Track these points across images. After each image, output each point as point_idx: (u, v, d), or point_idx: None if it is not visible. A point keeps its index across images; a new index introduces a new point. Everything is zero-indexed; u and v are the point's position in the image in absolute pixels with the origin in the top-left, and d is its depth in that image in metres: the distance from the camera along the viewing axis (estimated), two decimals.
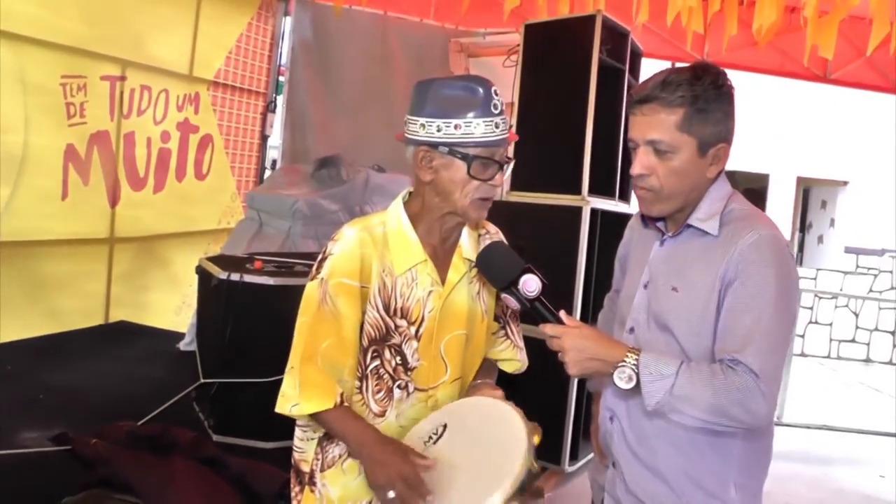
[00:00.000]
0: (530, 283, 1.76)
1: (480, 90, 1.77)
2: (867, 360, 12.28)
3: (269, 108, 7.71)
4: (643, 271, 1.96)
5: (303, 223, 5.64)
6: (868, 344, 12.34)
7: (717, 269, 1.77)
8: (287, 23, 7.60)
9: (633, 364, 1.71)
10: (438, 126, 1.77)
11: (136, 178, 6.24)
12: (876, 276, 12.41)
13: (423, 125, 1.79)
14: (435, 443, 1.77)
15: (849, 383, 10.65)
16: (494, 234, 2.05)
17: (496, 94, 1.78)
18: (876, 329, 12.31)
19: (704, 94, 1.77)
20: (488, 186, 1.80)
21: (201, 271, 4.28)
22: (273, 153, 7.97)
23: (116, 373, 4.87)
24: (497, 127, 1.77)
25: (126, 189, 6.14)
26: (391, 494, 1.68)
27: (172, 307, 6.75)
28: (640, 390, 1.71)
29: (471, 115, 1.75)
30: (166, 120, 6.48)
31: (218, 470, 3.07)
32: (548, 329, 1.77)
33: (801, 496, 4.97)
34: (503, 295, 1.81)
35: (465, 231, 1.94)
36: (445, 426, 1.79)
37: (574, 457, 4.99)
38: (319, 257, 1.85)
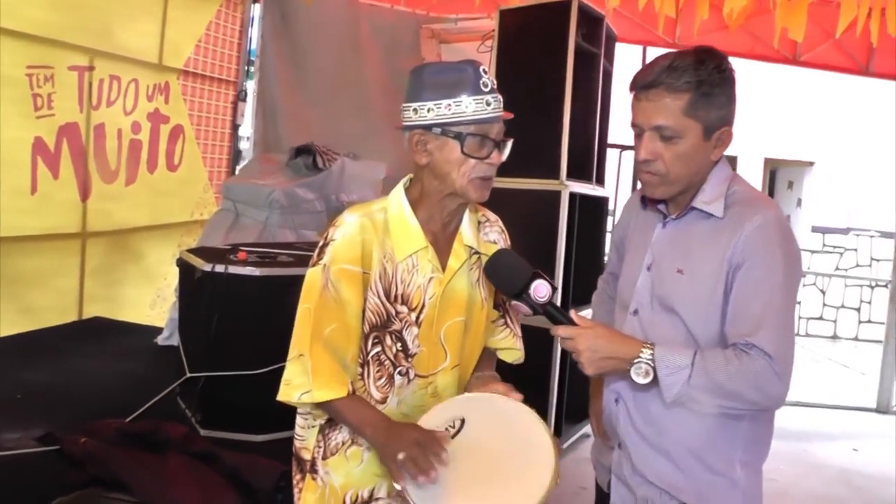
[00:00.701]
0: (541, 289, 1.76)
1: (469, 69, 1.78)
2: (834, 337, 12.51)
3: (240, 96, 7.62)
4: (645, 253, 1.97)
5: (280, 213, 5.60)
6: (835, 321, 12.56)
7: (723, 251, 1.79)
8: (256, 9, 7.51)
9: (649, 359, 1.73)
10: (430, 108, 1.78)
11: (108, 170, 6.13)
12: (842, 254, 12.63)
13: (415, 110, 1.80)
14: (453, 437, 1.74)
15: (818, 360, 10.83)
16: (494, 221, 2.06)
17: (485, 73, 1.79)
18: (842, 306, 12.54)
19: (709, 78, 1.78)
20: (486, 165, 1.80)
21: (183, 264, 4.22)
22: (245, 143, 7.90)
23: (95, 370, 4.79)
24: (488, 104, 1.77)
25: (97, 182, 6.03)
26: (401, 456, 1.63)
27: (147, 301, 6.67)
28: (657, 384, 1.73)
29: (461, 94, 1.75)
30: (136, 110, 6.37)
31: (213, 465, 3.04)
32: (561, 331, 1.77)
33: (781, 472, 5.04)
34: (514, 302, 1.81)
35: (466, 218, 1.94)
36: (463, 421, 1.77)
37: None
38: (320, 243, 1.84)
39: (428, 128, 1.79)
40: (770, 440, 1.96)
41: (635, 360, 1.73)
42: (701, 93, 1.78)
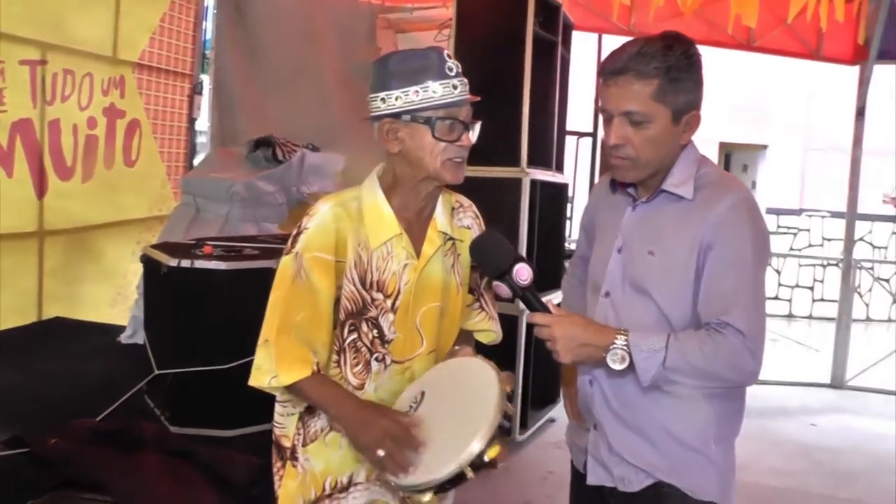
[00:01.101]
0: (523, 273, 1.79)
1: (434, 55, 1.80)
2: (790, 316, 12.73)
3: (196, 89, 7.52)
4: (616, 236, 1.98)
5: (241, 206, 5.57)
6: (790, 300, 12.79)
7: (693, 232, 1.82)
8: (210, 0, 7.41)
9: (624, 345, 1.76)
10: (397, 96, 1.79)
11: (64, 167, 6.02)
12: (795, 234, 12.84)
13: (383, 99, 1.81)
14: (415, 410, 1.80)
15: (774, 338, 11.02)
16: (468, 206, 2.07)
17: (450, 58, 1.81)
18: (797, 286, 12.76)
19: (677, 64, 1.81)
20: (457, 147, 1.81)
21: (147, 260, 4.18)
22: (202, 137, 7.81)
23: (59, 371, 4.74)
24: (455, 88, 1.79)
25: (53, 179, 5.92)
26: (381, 453, 1.69)
27: (107, 300, 6.56)
28: (633, 369, 1.76)
29: (427, 80, 1.77)
30: (92, 105, 6.26)
31: (188, 461, 3.03)
32: (537, 318, 1.80)
33: (742, 448, 5.08)
34: (494, 283, 1.85)
35: (440, 204, 1.95)
36: (423, 393, 1.83)
37: (524, 425, 5.08)
38: (294, 232, 1.85)
39: (397, 115, 1.81)
40: (742, 415, 2.01)
41: (611, 347, 1.76)
42: (669, 78, 1.80)
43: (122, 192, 6.72)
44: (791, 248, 12.75)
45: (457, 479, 1.65)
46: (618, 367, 1.76)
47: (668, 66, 1.80)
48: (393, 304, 1.87)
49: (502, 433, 4.58)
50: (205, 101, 7.55)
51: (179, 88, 7.38)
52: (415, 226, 1.91)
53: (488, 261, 1.86)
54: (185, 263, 3.74)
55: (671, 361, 1.73)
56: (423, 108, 1.78)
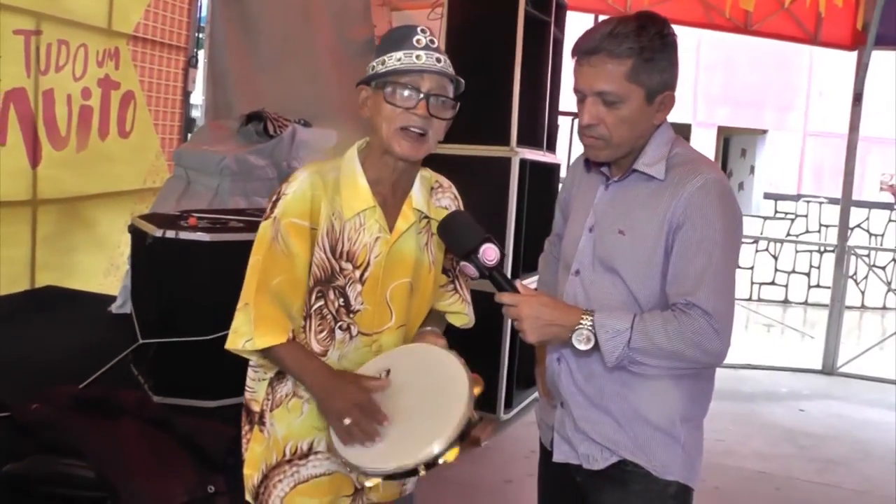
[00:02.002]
0: (490, 253, 1.79)
1: (406, 30, 1.85)
2: (786, 302, 12.77)
3: (191, 63, 7.52)
4: (588, 215, 1.99)
5: (231, 179, 5.58)
6: (786, 286, 12.81)
7: (663, 212, 1.82)
8: None
9: (589, 325, 1.76)
10: (373, 66, 1.85)
11: (58, 136, 6.04)
12: (793, 220, 12.86)
13: (366, 71, 1.87)
14: None
15: (769, 324, 11.06)
16: (447, 187, 2.09)
17: (422, 32, 1.84)
18: (793, 271, 12.78)
19: (650, 44, 1.80)
20: (412, 116, 1.81)
21: (134, 230, 4.21)
22: (196, 111, 7.81)
23: (48, 339, 4.77)
24: (419, 58, 1.81)
25: (47, 148, 5.94)
26: (347, 422, 1.72)
27: (100, 270, 6.61)
28: (598, 349, 1.77)
29: (394, 49, 1.82)
30: (86, 76, 6.27)
31: (166, 430, 3.06)
32: (505, 298, 1.80)
33: (729, 432, 5.19)
34: (462, 263, 1.84)
35: (417, 182, 1.97)
36: (388, 371, 1.84)
37: (509, 404, 5.12)
38: (273, 198, 1.88)
39: (367, 83, 1.86)
40: (710, 396, 2.02)
41: (576, 327, 1.76)
42: (643, 58, 1.79)
43: (116, 162, 6.74)
44: (788, 234, 12.75)
45: (408, 474, 1.67)
46: (583, 347, 1.77)
47: (641, 46, 1.79)
48: (361, 275, 1.89)
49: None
50: (199, 75, 7.55)
51: (174, 62, 7.38)
52: (390, 201, 1.93)
53: (455, 240, 1.86)
54: (170, 234, 3.76)
55: (636, 342, 1.74)
56: (384, 73, 1.82)
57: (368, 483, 1.71)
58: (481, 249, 1.79)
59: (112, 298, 5.63)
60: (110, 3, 6.43)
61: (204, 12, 7.42)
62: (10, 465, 2.85)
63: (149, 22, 6.92)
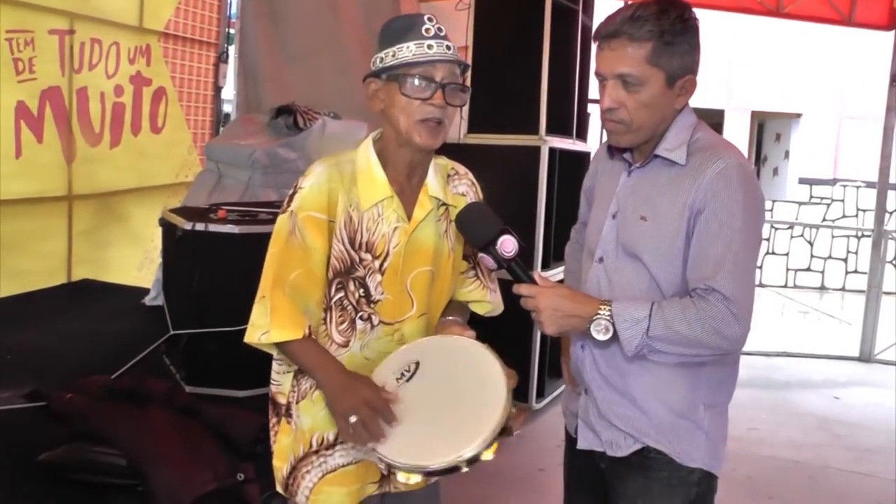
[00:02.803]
0: (508, 244, 1.80)
1: (415, 18, 1.85)
2: (822, 288, 12.61)
3: (222, 58, 7.60)
4: (611, 202, 1.99)
5: (262, 173, 5.62)
6: (822, 272, 12.65)
7: (685, 197, 1.82)
8: None
9: (608, 315, 1.76)
10: (381, 58, 1.85)
11: (92, 133, 6.15)
12: (829, 205, 12.68)
13: (373, 62, 1.88)
14: (408, 380, 1.80)
15: (805, 311, 10.94)
16: (464, 174, 2.09)
17: (429, 21, 1.84)
18: (830, 257, 12.62)
19: (671, 27, 1.80)
20: (429, 107, 1.83)
21: (165, 223, 4.26)
22: (227, 106, 7.89)
23: (83, 330, 4.86)
24: (430, 48, 1.81)
25: (82, 145, 6.06)
26: (353, 419, 1.72)
27: (135, 263, 6.72)
28: (617, 339, 1.77)
29: (403, 40, 1.82)
30: (119, 73, 6.37)
31: (195, 418, 3.11)
32: (523, 289, 1.81)
33: (761, 420, 5.16)
34: (480, 255, 1.85)
35: (432, 170, 1.98)
36: (418, 364, 1.83)
37: (541, 394, 5.12)
38: (290, 192, 1.90)
39: (378, 75, 1.86)
40: (734, 382, 2.01)
41: (594, 318, 1.77)
42: (663, 42, 1.80)
43: (149, 158, 6.85)
44: (824, 219, 12.59)
45: (449, 471, 1.66)
46: (602, 337, 1.77)
47: (661, 29, 1.80)
48: (381, 265, 1.90)
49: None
50: (230, 70, 7.62)
51: (205, 57, 7.47)
52: (407, 190, 1.94)
53: (473, 232, 1.87)
54: (200, 227, 3.81)
55: (654, 330, 1.74)
56: (396, 65, 1.82)
57: (410, 481, 1.70)
58: (499, 241, 1.80)
59: (146, 291, 5.71)
60: (141, 1, 6.53)
61: (234, 8, 7.50)
62: (45, 454, 2.91)
63: (179, 19, 7.01)
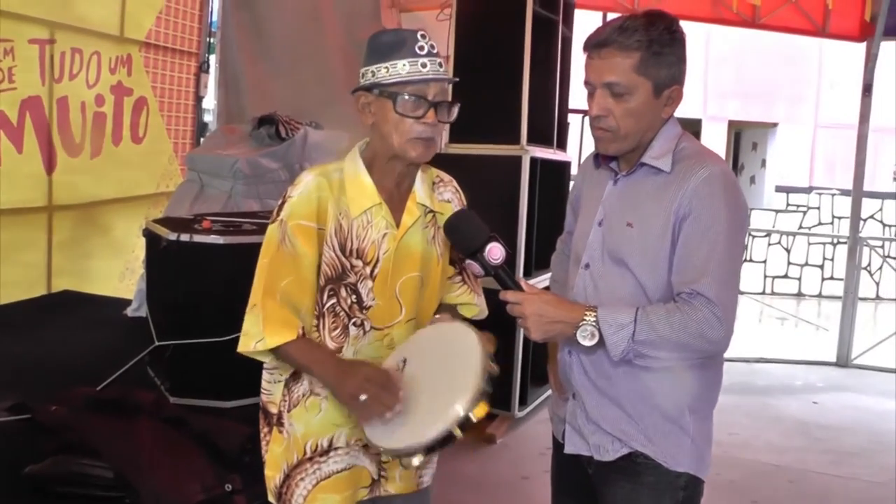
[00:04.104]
0: (495, 251, 1.83)
1: (406, 34, 1.87)
2: (799, 295, 12.73)
3: (202, 68, 7.59)
4: (597, 210, 2.02)
5: (244, 182, 5.62)
6: (800, 279, 12.77)
7: (670, 204, 1.85)
8: None
9: (593, 321, 1.79)
10: (372, 72, 1.87)
11: (72, 143, 6.12)
12: (805, 212, 12.82)
13: (362, 74, 1.90)
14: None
15: (783, 317, 11.03)
16: (448, 181, 2.13)
17: (423, 38, 1.87)
18: (806, 264, 12.74)
19: (659, 38, 1.84)
20: (423, 125, 1.86)
21: (149, 234, 4.26)
22: (209, 115, 7.87)
23: (65, 342, 4.83)
24: (423, 67, 1.85)
25: (62, 155, 6.02)
26: (363, 398, 1.75)
27: (116, 274, 6.68)
28: (603, 345, 1.79)
29: (397, 57, 1.84)
30: (99, 83, 6.35)
31: (182, 429, 3.11)
32: (509, 296, 1.83)
33: (742, 426, 5.19)
34: (467, 261, 1.88)
35: (419, 178, 2.01)
36: (405, 360, 1.88)
37: (524, 402, 5.13)
38: (280, 201, 1.93)
39: (369, 89, 1.89)
40: (718, 387, 2.04)
41: (580, 324, 1.79)
42: (651, 52, 1.83)
43: (130, 168, 6.82)
44: (801, 227, 12.72)
45: (445, 440, 1.70)
46: (588, 343, 1.79)
47: (650, 39, 1.83)
48: (372, 271, 1.93)
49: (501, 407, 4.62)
50: (211, 80, 7.61)
51: (186, 67, 7.45)
52: (395, 197, 1.97)
53: (461, 239, 1.90)
54: (184, 237, 3.81)
55: (640, 335, 1.76)
56: (390, 83, 1.85)
57: (414, 462, 1.73)
58: (487, 248, 1.83)
59: (128, 302, 5.68)
60: (122, 10, 6.51)
61: (215, 17, 7.48)
62: (31, 467, 2.90)
63: (160, 29, 6.99)
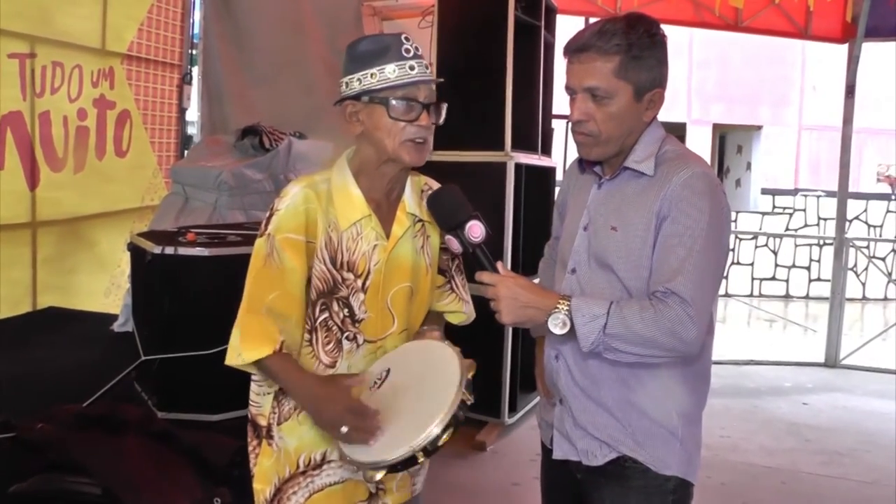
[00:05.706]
0: (476, 229, 1.83)
1: (390, 39, 1.86)
2: (787, 296, 12.77)
3: (185, 80, 7.56)
4: (582, 214, 2.02)
5: (229, 194, 5.60)
6: (787, 280, 12.82)
7: (652, 205, 1.85)
8: None
9: (566, 310, 1.78)
10: (358, 79, 1.85)
11: (55, 158, 6.07)
12: (791, 214, 12.87)
13: (346, 83, 1.88)
14: (379, 387, 1.85)
15: (771, 319, 11.07)
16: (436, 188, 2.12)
17: (407, 41, 1.86)
18: (793, 266, 12.79)
19: (639, 41, 1.84)
20: (416, 128, 1.86)
21: (134, 248, 4.24)
22: (192, 127, 7.85)
23: (51, 359, 4.78)
24: (412, 69, 1.84)
25: (45, 171, 5.98)
26: (344, 429, 1.74)
27: (101, 289, 6.64)
28: (574, 334, 1.78)
29: (384, 62, 1.83)
30: (82, 97, 6.31)
31: (170, 444, 3.09)
32: (484, 277, 1.83)
33: (733, 428, 5.20)
34: (447, 237, 1.88)
35: (408, 187, 2.00)
36: (388, 371, 1.88)
37: (513, 408, 5.12)
38: (267, 214, 1.91)
39: (357, 97, 1.87)
40: (707, 392, 2.03)
41: (553, 311, 1.78)
42: (631, 56, 1.83)
43: (114, 182, 6.77)
44: (787, 228, 12.77)
45: (408, 462, 1.70)
46: (558, 331, 1.78)
47: (629, 43, 1.83)
48: (363, 283, 1.91)
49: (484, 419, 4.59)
50: (194, 91, 7.59)
51: (169, 79, 7.42)
52: (384, 207, 1.96)
53: (443, 212, 1.90)
54: (169, 250, 3.79)
55: (612, 328, 1.75)
56: (380, 88, 1.83)
57: (377, 476, 1.73)
58: (468, 225, 1.83)
59: (114, 317, 5.64)
60: (104, 23, 6.47)
61: (197, 29, 7.47)
62: (16, 485, 2.87)
63: (142, 41, 6.96)
